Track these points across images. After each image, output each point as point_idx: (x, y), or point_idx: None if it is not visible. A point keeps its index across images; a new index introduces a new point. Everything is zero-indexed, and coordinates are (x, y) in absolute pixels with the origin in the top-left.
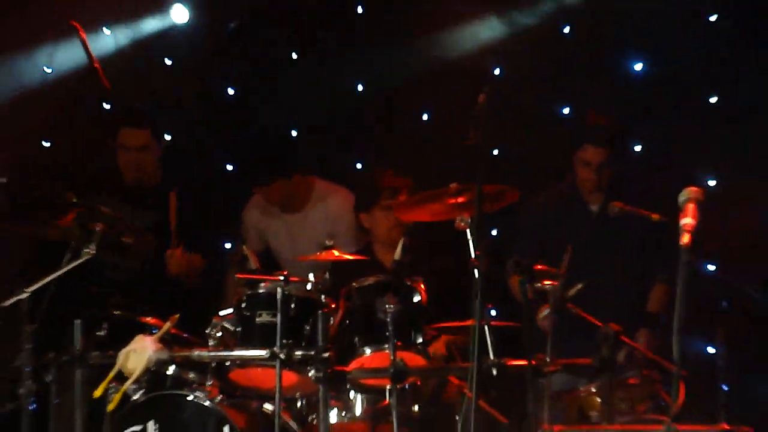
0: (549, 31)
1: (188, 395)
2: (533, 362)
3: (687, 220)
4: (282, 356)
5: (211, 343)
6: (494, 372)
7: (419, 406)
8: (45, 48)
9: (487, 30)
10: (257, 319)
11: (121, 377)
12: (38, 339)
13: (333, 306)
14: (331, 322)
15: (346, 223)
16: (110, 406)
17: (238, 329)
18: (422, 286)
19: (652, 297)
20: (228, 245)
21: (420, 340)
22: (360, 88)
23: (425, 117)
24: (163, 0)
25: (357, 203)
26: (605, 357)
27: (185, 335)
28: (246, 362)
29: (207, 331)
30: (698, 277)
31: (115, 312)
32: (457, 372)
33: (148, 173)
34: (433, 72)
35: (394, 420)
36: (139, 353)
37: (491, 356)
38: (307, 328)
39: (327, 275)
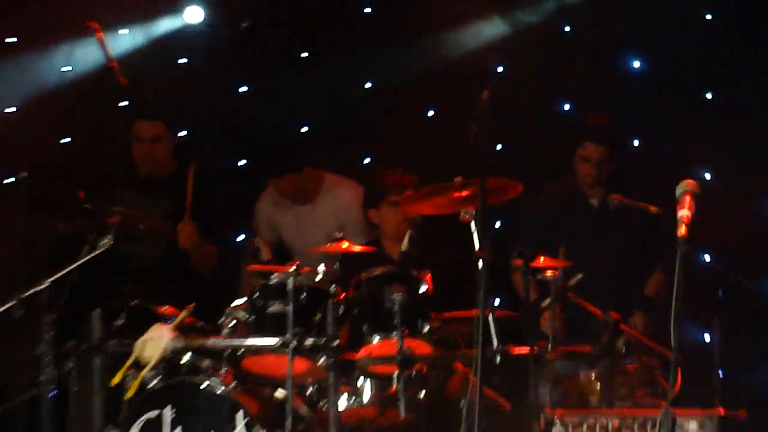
0: (550, 30)
1: (203, 382)
2: (535, 349)
3: (684, 212)
4: (293, 344)
5: (224, 331)
6: (498, 359)
7: (425, 392)
8: (64, 47)
9: (490, 29)
10: (269, 309)
11: (138, 365)
12: (58, 328)
13: (342, 296)
14: (340, 310)
15: (355, 215)
16: (128, 394)
17: (251, 318)
18: (428, 276)
19: (650, 284)
20: (241, 237)
21: (426, 328)
22: (368, 86)
23: (430, 114)
24: (177, 1)
25: (365, 200)
26: (605, 344)
27: (200, 324)
28: (259, 350)
29: (221, 320)
30: (694, 267)
31: (132, 302)
32: (462, 359)
33: (161, 164)
34: (437, 71)
35: (402, 405)
36: (156, 342)
37: (495, 344)
38: (318, 316)
39: (336, 266)
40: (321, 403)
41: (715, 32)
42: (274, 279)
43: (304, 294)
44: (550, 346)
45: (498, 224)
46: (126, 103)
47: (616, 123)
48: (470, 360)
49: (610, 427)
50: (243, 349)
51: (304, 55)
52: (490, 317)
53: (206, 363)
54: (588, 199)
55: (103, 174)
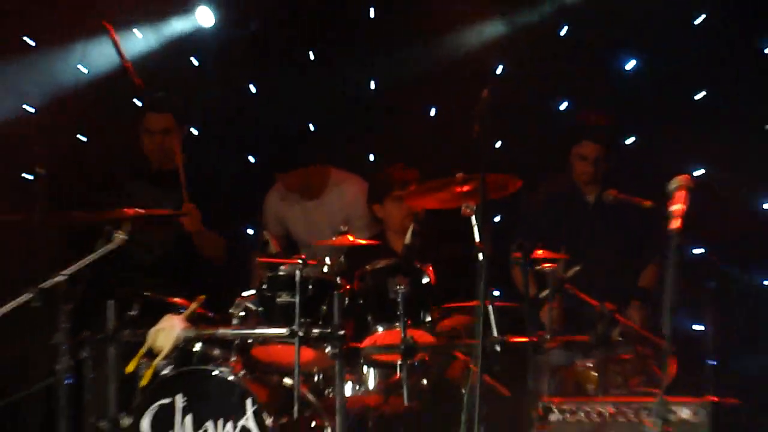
0: (549, 31)
1: (213, 370)
2: (534, 339)
3: (677, 206)
4: (300, 334)
5: (234, 321)
6: (498, 348)
7: (428, 380)
8: (79, 48)
9: (490, 30)
10: (277, 300)
11: (151, 354)
12: (74, 319)
13: (348, 287)
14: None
15: (360, 209)
16: (142, 382)
17: (260, 309)
18: (431, 268)
19: (644, 275)
20: (250, 231)
21: (429, 318)
22: (372, 85)
23: (432, 112)
24: (189, 3)
25: (370, 195)
26: (601, 334)
27: (210, 314)
28: (267, 339)
29: (231, 311)
30: (687, 259)
31: (145, 293)
32: (463, 348)
33: (171, 156)
34: (438, 70)
35: (405, 393)
36: (168, 331)
37: (495, 333)
38: (324, 307)
39: (342, 258)
40: (327, 391)
41: (709, 34)
42: (282, 271)
43: (311, 285)
44: (548, 335)
45: (498, 218)
46: (138, 102)
47: (613, 123)
48: (471, 349)
49: (605, 414)
50: (252, 339)
51: (311, 56)
52: (491, 308)
53: (216, 352)
54: (584, 195)
55: (116, 169)
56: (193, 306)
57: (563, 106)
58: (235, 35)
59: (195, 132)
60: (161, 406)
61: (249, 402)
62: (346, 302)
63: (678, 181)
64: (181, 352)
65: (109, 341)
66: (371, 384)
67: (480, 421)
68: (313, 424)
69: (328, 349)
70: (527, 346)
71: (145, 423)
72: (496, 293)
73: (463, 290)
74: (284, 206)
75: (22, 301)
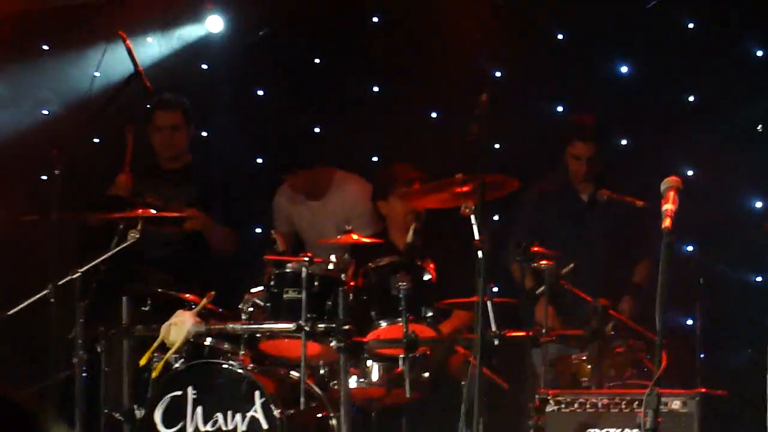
0: (545, 37)
1: (223, 363)
2: (531, 333)
3: (668, 206)
4: (307, 329)
5: (243, 317)
6: (496, 342)
7: (429, 373)
8: (94, 54)
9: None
10: (285, 296)
11: (163, 348)
12: (90, 314)
13: (352, 284)
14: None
15: (362, 208)
16: (154, 374)
17: (268, 305)
18: (432, 266)
19: (637, 271)
20: (259, 230)
21: (430, 314)
22: (375, 89)
23: (434, 115)
24: (200, 11)
25: (376, 192)
26: (595, 328)
27: (220, 310)
28: (275, 334)
29: (240, 307)
30: (678, 256)
31: (158, 289)
32: (463, 342)
33: (180, 153)
34: (440, 75)
35: (407, 385)
36: (180, 326)
37: (493, 328)
38: (329, 303)
39: (346, 256)
40: (332, 384)
41: (694, 40)
42: (289, 268)
43: (317, 282)
44: (543, 330)
45: (496, 217)
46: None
47: (601, 122)
48: (470, 343)
49: (599, 405)
50: (260, 334)
51: (316, 61)
52: (489, 304)
53: (226, 346)
54: (579, 194)
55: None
56: (204, 302)
57: (559, 108)
58: (244, 41)
59: (205, 134)
60: (173, 398)
61: (257, 394)
62: (351, 298)
63: (668, 182)
64: (192, 346)
65: (123, 336)
66: (374, 377)
67: (479, 413)
68: (319, 415)
69: (333, 344)
70: (524, 340)
71: (158, 414)
72: (495, 289)
73: (462, 287)
74: (291, 206)
75: (39, 297)
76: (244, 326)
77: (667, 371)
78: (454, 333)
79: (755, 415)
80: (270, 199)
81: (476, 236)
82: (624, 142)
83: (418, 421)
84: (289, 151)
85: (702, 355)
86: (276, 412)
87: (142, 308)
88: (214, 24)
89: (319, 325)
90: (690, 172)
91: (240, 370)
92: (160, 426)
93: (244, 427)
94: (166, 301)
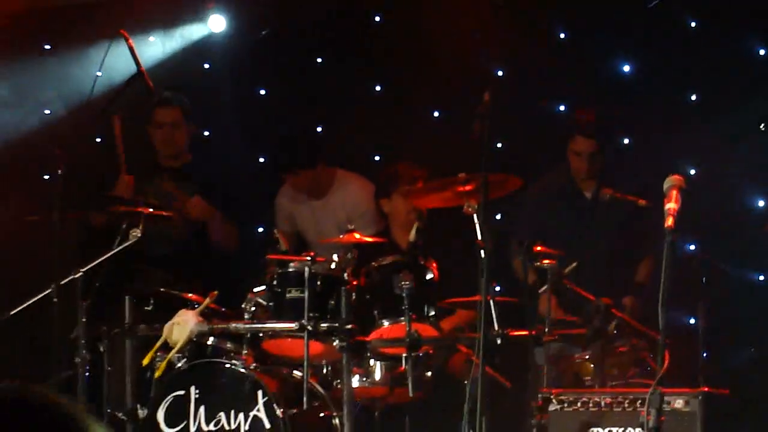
0: (548, 36)
1: (226, 363)
2: (533, 332)
3: (671, 205)
4: (309, 328)
5: (246, 316)
6: (499, 341)
7: (431, 372)
8: (96, 54)
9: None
10: (287, 295)
11: (166, 347)
12: (92, 313)
13: (354, 283)
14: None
15: (365, 208)
16: (157, 373)
17: (270, 304)
18: (434, 265)
19: (639, 270)
20: (261, 229)
21: (433, 313)
22: (377, 89)
23: (436, 114)
24: (202, 10)
25: (379, 189)
26: (597, 327)
27: (223, 310)
28: (277, 333)
29: (242, 306)
30: (680, 255)
31: (160, 289)
32: (466, 341)
33: (180, 151)
34: (442, 74)
35: (410, 384)
36: (182, 326)
37: (496, 327)
38: (332, 302)
39: (349, 255)
40: (335, 383)
41: (696, 39)
42: (292, 267)
43: (320, 281)
44: (546, 329)
45: (498, 216)
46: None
47: (601, 118)
48: (473, 342)
49: (602, 404)
50: (263, 333)
51: (318, 60)
52: (492, 303)
53: (229, 345)
54: (581, 191)
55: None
56: (206, 301)
57: (561, 107)
58: (246, 40)
59: (207, 134)
60: (175, 397)
61: (260, 393)
62: (353, 298)
63: (671, 180)
64: (194, 345)
65: (125, 335)
66: (377, 376)
67: (481, 412)
68: (322, 414)
69: (335, 343)
70: (527, 339)
71: (161, 414)
72: (498, 288)
73: (465, 286)
74: (293, 206)
75: (41, 297)
76: (247, 326)
77: (669, 370)
78: (455, 330)
79: (758, 414)
80: (272, 199)
81: (479, 235)
82: (626, 140)
83: (421, 420)
84: (290, 151)
85: (705, 354)
86: (279, 412)
87: (145, 308)
88: (216, 23)
89: (322, 325)
90: (692, 171)
91: (243, 370)
92: (162, 425)
93: (246, 427)
94: (169, 301)
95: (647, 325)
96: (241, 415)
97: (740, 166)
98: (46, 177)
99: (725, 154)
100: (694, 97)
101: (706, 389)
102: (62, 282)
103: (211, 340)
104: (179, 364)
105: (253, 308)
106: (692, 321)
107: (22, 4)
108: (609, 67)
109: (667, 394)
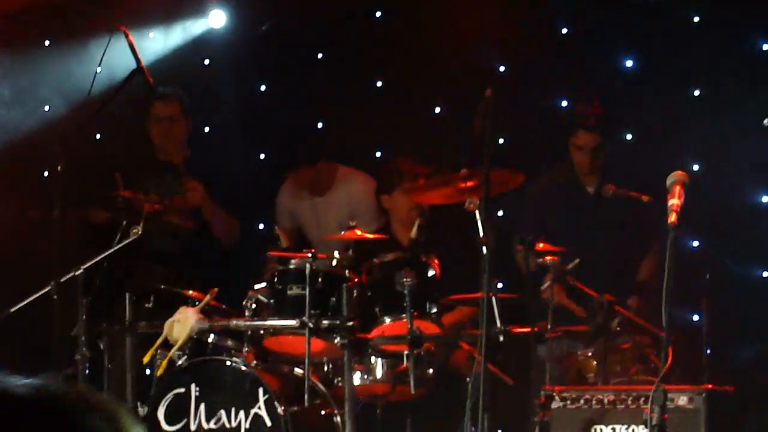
0: (549, 31)
1: (227, 360)
2: (536, 329)
3: (674, 201)
4: (311, 325)
5: (247, 313)
6: (501, 338)
7: (433, 369)
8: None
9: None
10: (288, 292)
11: (166, 345)
12: (92, 311)
13: (356, 280)
14: (354, 294)
15: (366, 204)
16: (158, 372)
17: (271, 301)
18: (436, 261)
19: (642, 268)
20: (261, 226)
21: (434, 310)
22: (378, 84)
23: (437, 110)
24: (202, 5)
25: (380, 186)
26: (600, 324)
27: (223, 307)
28: (278, 331)
29: (243, 303)
30: (684, 252)
31: (161, 286)
32: (468, 338)
33: (178, 145)
34: (443, 70)
35: (411, 382)
36: (183, 323)
37: (498, 324)
38: (333, 299)
39: (350, 252)
40: (336, 380)
41: (699, 34)
42: (293, 264)
43: (321, 278)
44: (548, 326)
45: (501, 213)
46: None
47: (604, 111)
48: (475, 339)
49: (605, 401)
50: (263, 330)
51: (319, 55)
52: (494, 299)
53: (230, 343)
54: (584, 187)
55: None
56: (207, 298)
57: (564, 103)
58: (246, 36)
59: (207, 130)
60: (176, 395)
61: (261, 391)
62: (355, 294)
63: (674, 176)
64: (195, 342)
65: (126, 332)
66: (379, 373)
67: (484, 409)
68: (323, 412)
69: (337, 340)
70: (529, 335)
71: (161, 412)
72: (500, 285)
73: (467, 282)
74: (295, 202)
75: (41, 294)
76: (248, 323)
77: (673, 367)
78: (456, 326)
79: (762, 411)
80: (273, 196)
81: (480, 232)
82: (629, 136)
83: (423, 417)
84: (291, 147)
85: (708, 351)
86: (280, 409)
87: (145, 305)
88: (216, 19)
89: (323, 322)
90: (696, 167)
91: (243, 367)
92: (163, 423)
93: (247, 425)
94: (170, 298)
95: (650, 322)
96: (241, 413)
97: (743, 162)
98: (46, 174)
99: (728, 149)
100: (696, 93)
101: (710, 386)
102: (62, 279)
103: (211, 338)
104: (180, 362)
105: (253, 305)
106: (696, 318)
107: (22, 1)
108: (611, 62)
109: (671, 391)
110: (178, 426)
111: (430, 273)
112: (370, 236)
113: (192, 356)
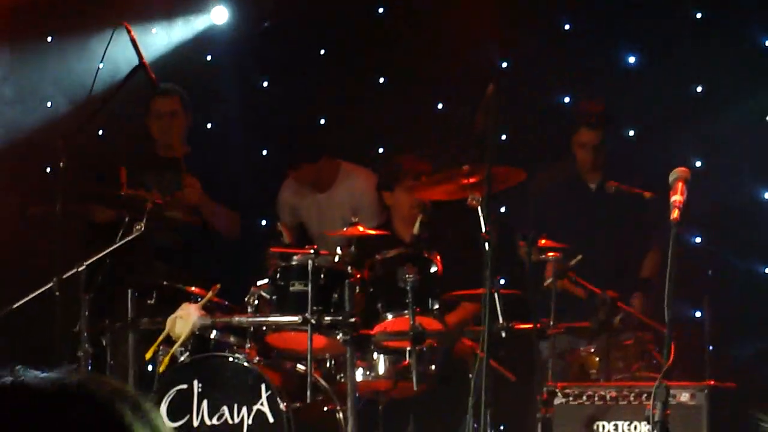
0: (551, 27)
1: (229, 357)
2: (538, 325)
3: (676, 197)
4: (313, 321)
5: (249, 310)
6: (503, 334)
7: (436, 365)
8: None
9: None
10: (290, 288)
11: (169, 341)
12: (94, 307)
13: (358, 276)
14: (356, 290)
15: (368, 200)
16: (161, 368)
17: (274, 297)
18: (438, 258)
19: (645, 264)
20: (264, 222)
21: (437, 306)
22: (381, 80)
23: (440, 106)
24: (204, 1)
25: (382, 182)
26: (603, 320)
27: (226, 303)
28: (281, 327)
29: (245, 299)
30: (686, 248)
31: (163, 282)
32: (470, 335)
33: (178, 141)
34: (446, 66)
35: (414, 378)
36: (185, 319)
37: (500, 320)
38: (335, 296)
39: (352, 248)
40: (339, 377)
41: (701, 30)
42: (295, 261)
43: (323, 275)
44: (551, 322)
45: (503, 209)
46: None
47: (606, 107)
48: (477, 335)
49: (608, 398)
50: (266, 326)
51: (321, 51)
52: (496, 296)
53: (232, 339)
54: (586, 183)
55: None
56: (209, 295)
57: (566, 99)
58: (249, 32)
59: (209, 126)
60: (178, 391)
61: (263, 387)
62: (357, 291)
63: (677, 173)
64: (197, 339)
65: (128, 329)
66: (381, 369)
67: (486, 405)
68: (325, 408)
69: (339, 336)
70: (532, 332)
71: (163, 408)
72: (502, 281)
73: (470, 278)
74: (297, 199)
75: (43, 291)
76: (250, 319)
77: (675, 363)
78: (460, 324)
79: (765, 408)
80: (275, 192)
81: (483, 228)
82: (631, 132)
83: (426, 413)
84: (294, 143)
85: (711, 347)
86: (282, 406)
87: (148, 301)
88: (218, 15)
89: (326, 318)
90: (698, 163)
91: (246, 364)
92: (165, 419)
93: (250, 421)
94: (172, 294)
95: (653, 318)
96: (244, 409)
97: (746, 158)
98: (48, 170)
99: (730, 146)
100: (699, 89)
101: (712, 382)
102: (65, 276)
103: (214, 334)
104: (182, 358)
105: (256, 301)
106: (698, 314)
107: None
108: (614, 59)
109: (673, 388)
110: (181, 422)
111: (433, 269)
112: (373, 232)
113: (194, 352)
